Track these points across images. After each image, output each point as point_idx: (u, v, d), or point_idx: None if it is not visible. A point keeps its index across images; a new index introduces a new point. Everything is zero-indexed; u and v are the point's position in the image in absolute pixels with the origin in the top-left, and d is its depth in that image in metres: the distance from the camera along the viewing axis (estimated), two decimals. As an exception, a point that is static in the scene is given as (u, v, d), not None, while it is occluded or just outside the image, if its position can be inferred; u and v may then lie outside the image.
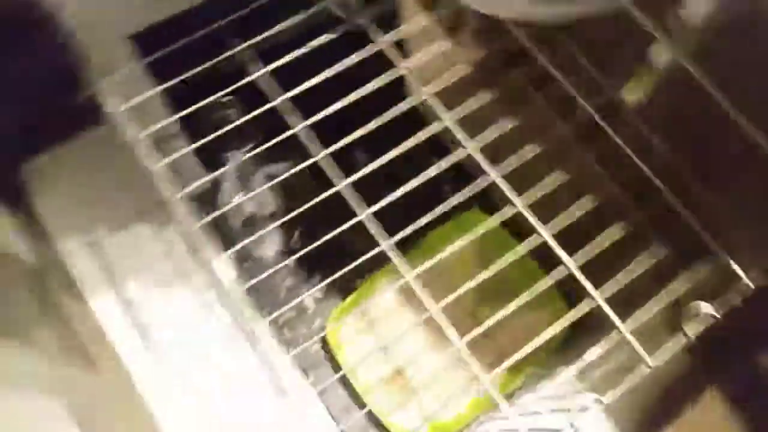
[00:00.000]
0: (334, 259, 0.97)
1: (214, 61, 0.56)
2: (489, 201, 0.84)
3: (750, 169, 0.51)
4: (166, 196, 0.46)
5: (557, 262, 0.50)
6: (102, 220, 0.98)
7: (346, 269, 0.54)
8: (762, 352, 0.53)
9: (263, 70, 0.53)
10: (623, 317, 0.48)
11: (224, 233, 0.66)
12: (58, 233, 0.98)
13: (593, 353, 0.47)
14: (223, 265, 0.45)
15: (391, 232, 0.53)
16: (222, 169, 0.54)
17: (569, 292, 0.86)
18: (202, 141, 0.51)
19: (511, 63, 0.58)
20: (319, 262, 0.91)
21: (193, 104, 0.57)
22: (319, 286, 0.66)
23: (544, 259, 0.60)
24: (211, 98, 0.56)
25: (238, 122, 0.52)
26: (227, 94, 0.81)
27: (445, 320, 0.49)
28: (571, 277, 0.50)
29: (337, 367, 0.91)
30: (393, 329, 0.92)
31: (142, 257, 0.97)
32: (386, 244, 0.49)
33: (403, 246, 0.53)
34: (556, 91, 0.55)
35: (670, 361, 0.50)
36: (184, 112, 0.53)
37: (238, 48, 0.54)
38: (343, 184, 0.50)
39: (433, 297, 0.98)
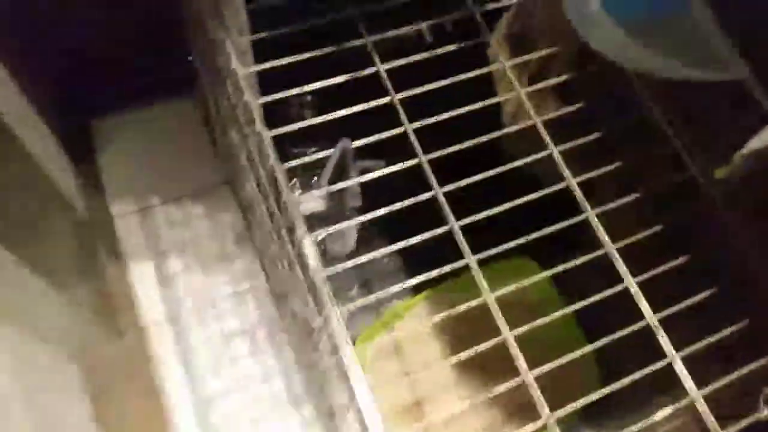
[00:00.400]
0: (379, 275, 0.98)
1: (330, 49, 0.57)
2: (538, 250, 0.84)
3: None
4: (270, 165, 0.46)
5: (632, 315, 0.49)
6: (158, 191, 0.99)
7: (396, 286, 0.52)
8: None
9: (387, 66, 0.54)
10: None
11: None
12: (115, 195, 0.98)
13: (663, 413, 0.45)
14: (311, 245, 0.45)
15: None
16: (328, 151, 0.54)
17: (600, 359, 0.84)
18: (327, 117, 0.51)
19: (617, 110, 0.58)
20: (368, 272, 0.91)
21: (278, 91, 0.56)
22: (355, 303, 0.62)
23: (597, 313, 0.58)
24: (315, 85, 0.56)
25: (351, 110, 0.51)
26: (308, 93, 0.83)
27: (516, 348, 0.48)
28: (647, 330, 0.49)
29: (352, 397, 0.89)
30: (421, 358, 0.90)
31: (190, 235, 0.97)
32: (472, 260, 0.48)
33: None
34: (658, 144, 0.55)
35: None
36: (293, 91, 0.53)
37: (363, 40, 0.55)
38: (441, 191, 0.49)
39: (461, 336, 0.97)
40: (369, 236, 0.86)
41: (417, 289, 0.92)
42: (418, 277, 0.52)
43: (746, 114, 0.56)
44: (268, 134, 0.47)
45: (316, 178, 0.69)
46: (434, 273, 0.51)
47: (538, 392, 0.46)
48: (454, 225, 0.48)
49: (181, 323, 0.94)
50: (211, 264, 0.96)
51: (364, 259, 0.51)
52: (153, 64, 0.92)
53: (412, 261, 0.91)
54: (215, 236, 0.97)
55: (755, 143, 0.62)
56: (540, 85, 0.59)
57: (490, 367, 0.71)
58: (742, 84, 0.54)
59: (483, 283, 0.49)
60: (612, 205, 0.50)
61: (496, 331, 0.50)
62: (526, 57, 0.62)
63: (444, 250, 0.52)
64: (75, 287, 0.83)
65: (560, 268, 0.53)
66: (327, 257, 0.76)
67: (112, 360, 0.90)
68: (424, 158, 0.50)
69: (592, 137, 0.52)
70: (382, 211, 0.51)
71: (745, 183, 0.61)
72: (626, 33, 0.51)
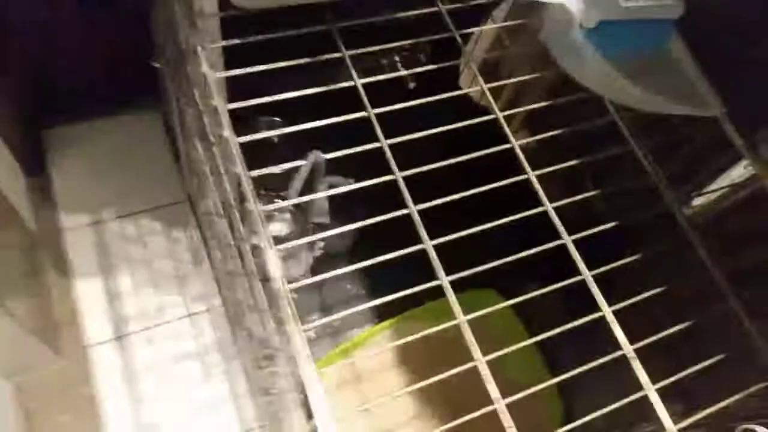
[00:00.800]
0: (341, 301, 0.95)
1: (304, 60, 0.55)
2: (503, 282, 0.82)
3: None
4: (235, 171, 0.43)
5: (612, 345, 0.47)
6: (113, 204, 0.94)
7: (360, 307, 0.49)
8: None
9: (363, 80, 0.52)
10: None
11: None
12: (66, 207, 0.93)
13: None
14: (274, 256, 0.42)
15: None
16: (298, 162, 0.51)
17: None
18: (295, 128, 0.49)
19: (594, 139, 0.58)
20: (329, 298, 0.88)
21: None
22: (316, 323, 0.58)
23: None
24: (288, 95, 0.54)
25: (325, 122, 0.49)
26: (278, 114, 0.80)
27: (488, 372, 0.46)
28: (623, 360, 0.47)
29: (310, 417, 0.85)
30: (380, 389, 0.88)
31: (143, 251, 0.92)
32: (445, 280, 0.46)
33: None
34: (635, 176, 0.54)
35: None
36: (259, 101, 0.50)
37: (344, 53, 0.53)
38: (415, 209, 0.47)
39: (423, 367, 0.94)
40: (332, 262, 0.83)
41: (380, 319, 0.90)
42: (382, 299, 0.49)
43: (719, 152, 0.57)
44: (235, 140, 0.44)
45: (278, 200, 0.66)
46: (400, 294, 0.48)
47: (510, 421, 0.44)
48: (429, 244, 0.46)
49: (127, 344, 0.89)
50: (164, 283, 0.91)
51: (329, 275, 0.48)
52: (113, 73, 0.89)
53: (376, 288, 0.88)
54: (170, 255, 0.93)
55: (724, 180, 0.62)
56: (516, 110, 0.59)
57: (452, 399, 0.69)
58: (717, 122, 0.54)
59: (456, 305, 0.47)
60: (590, 232, 0.49)
61: (461, 362, 0.48)
62: (502, 83, 0.61)
63: (410, 278, 0.50)
64: (15, 302, 0.78)
65: (526, 296, 0.52)
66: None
67: (49, 380, 0.84)
68: (399, 174, 0.48)
69: (567, 164, 0.51)
70: (346, 228, 0.48)
71: (715, 220, 0.61)
72: (610, 65, 0.51)
